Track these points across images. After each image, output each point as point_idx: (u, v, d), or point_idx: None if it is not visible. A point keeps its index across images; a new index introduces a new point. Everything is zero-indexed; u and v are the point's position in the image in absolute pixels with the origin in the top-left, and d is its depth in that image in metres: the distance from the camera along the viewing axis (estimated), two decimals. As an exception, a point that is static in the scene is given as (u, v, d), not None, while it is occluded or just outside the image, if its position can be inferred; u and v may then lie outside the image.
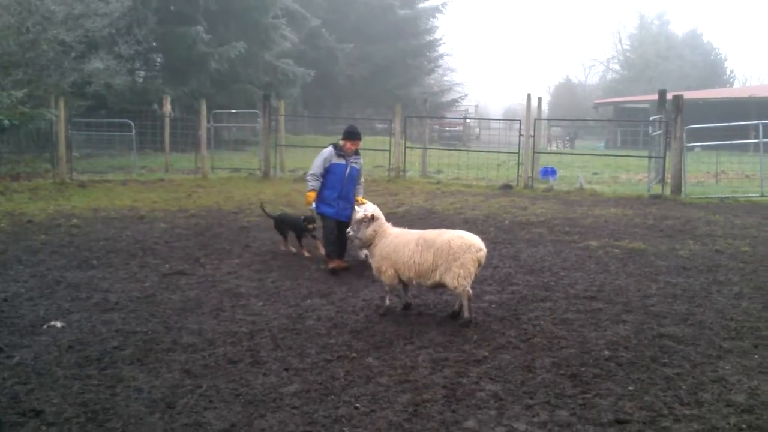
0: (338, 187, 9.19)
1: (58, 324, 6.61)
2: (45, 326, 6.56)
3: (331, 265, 9.05)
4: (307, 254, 9.96)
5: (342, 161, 9.21)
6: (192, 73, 33.82)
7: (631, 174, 24.47)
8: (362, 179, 9.65)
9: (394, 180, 20.43)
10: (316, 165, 9.21)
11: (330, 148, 9.29)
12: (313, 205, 9.26)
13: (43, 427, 4.51)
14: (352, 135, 9.32)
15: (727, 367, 5.64)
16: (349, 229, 7.51)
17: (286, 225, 10.40)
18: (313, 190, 9.18)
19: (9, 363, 5.62)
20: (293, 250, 10.17)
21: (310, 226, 9.82)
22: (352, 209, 8.58)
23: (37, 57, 24.01)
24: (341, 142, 9.32)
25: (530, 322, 6.86)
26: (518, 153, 20.17)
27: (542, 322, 6.88)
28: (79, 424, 4.55)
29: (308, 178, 9.31)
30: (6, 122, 19.77)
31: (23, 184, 17.92)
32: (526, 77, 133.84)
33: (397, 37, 53.83)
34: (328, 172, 9.20)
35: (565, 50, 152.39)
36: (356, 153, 9.41)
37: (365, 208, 7.48)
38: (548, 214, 14.07)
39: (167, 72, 35.85)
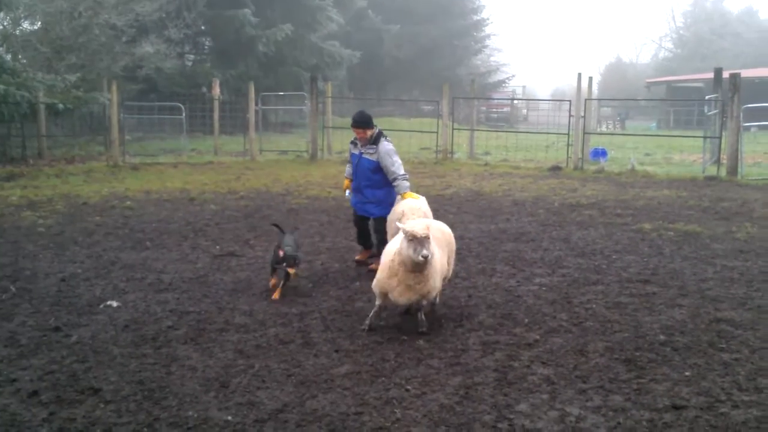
0: (356, 179, 8.45)
1: (114, 304, 6.76)
2: (102, 306, 6.71)
3: (358, 257, 8.73)
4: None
5: (356, 151, 8.41)
6: (240, 56, 34.10)
7: (685, 155, 23.87)
8: (398, 172, 7.98)
9: (441, 162, 20.31)
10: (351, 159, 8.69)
11: (351, 143, 8.65)
12: (347, 193, 8.71)
13: (101, 405, 4.61)
14: (353, 122, 8.25)
15: (787, 354, 5.48)
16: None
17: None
18: (347, 177, 8.69)
19: (67, 342, 5.77)
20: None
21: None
22: (373, 205, 8.34)
23: (89, 41, 24.47)
24: (354, 130, 8.46)
25: (582, 306, 6.77)
26: (568, 134, 19.84)
27: (594, 305, 6.78)
28: (135, 402, 4.65)
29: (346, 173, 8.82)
30: (60, 106, 20.21)
31: (78, 167, 18.33)
32: (575, 58, 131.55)
33: (443, 18, 53.33)
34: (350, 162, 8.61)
35: (616, 29, 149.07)
36: (373, 142, 8.15)
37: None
38: (599, 196, 13.83)
39: (216, 55, 36.22)
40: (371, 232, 8.64)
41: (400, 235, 5.87)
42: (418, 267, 5.71)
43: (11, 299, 6.90)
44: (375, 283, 6.11)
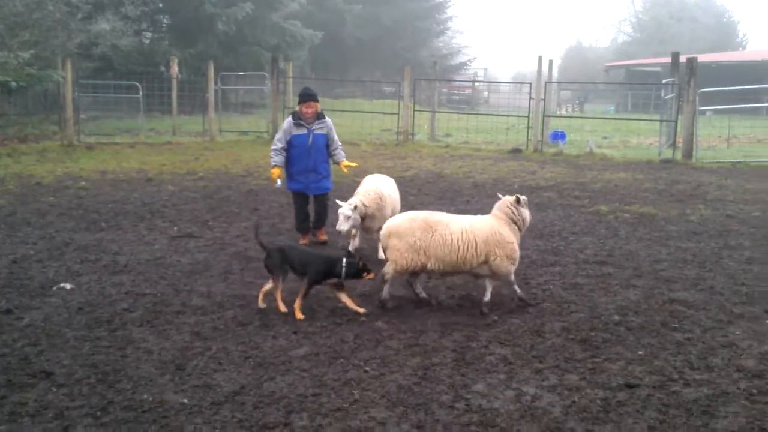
0: (303, 160, 8.46)
1: (68, 286, 6.62)
2: (55, 288, 6.57)
3: (303, 241, 8.62)
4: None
5: (303, 131, 8.41)
6: (199, 34, 33.52)
7: (642, 138, 24.24)
8: (338, 142, 8.77)
9: (402, 143, 20.29)
10: (277, 138, 8.57)
11: (289, 119, 8.54)
12: (279, 182, 8.60)
13: (54, 389, 4.52)
14: (304, 96, 8.48)
15: (737, 332, 5.61)
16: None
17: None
18: (276, 166, 8.48)
19: (19, 325, 5.64)
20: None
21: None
22: (327, 179, 8.59)
23: (43, 18, 23.80)
24: (297, 108, 8.56)
25: (540, 287, 6.85)
26: (528, 116, 19.98)
27: (552, 286, 6.86)
28: (89, 386, 4.57)
29: (271, 153, 8.63)
30: (13, 84, 19.66)
31: (31, 146, 17.90)
32: (535, 41, 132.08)
33: (405, -1, 53.13)
34: (291, 145, 8.46)
35: (576, 13, 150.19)
36: (319, 117, 8.48)
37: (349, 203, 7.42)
38: (558, 179, 13.98)
39: (174, 33, 35.54)
40: (316, 208, 8.73)
41: None
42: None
43: (-40, 281, 6.71)
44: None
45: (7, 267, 7.24)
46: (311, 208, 8.82)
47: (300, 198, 8.70)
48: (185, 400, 4.38)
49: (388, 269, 6.21)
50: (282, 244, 6.53)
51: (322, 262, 6.14)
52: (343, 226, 7.40)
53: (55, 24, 24.67)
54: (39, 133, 21.09)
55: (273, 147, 8.58)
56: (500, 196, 6.49)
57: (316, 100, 8.53)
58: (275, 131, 21.20)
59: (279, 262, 6.11)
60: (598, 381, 4.72)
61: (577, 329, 5.68)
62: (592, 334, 5.58)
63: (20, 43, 22.93)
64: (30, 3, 23.15)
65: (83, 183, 12.52)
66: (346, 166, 8.69)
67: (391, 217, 7.11)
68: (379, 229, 6.82)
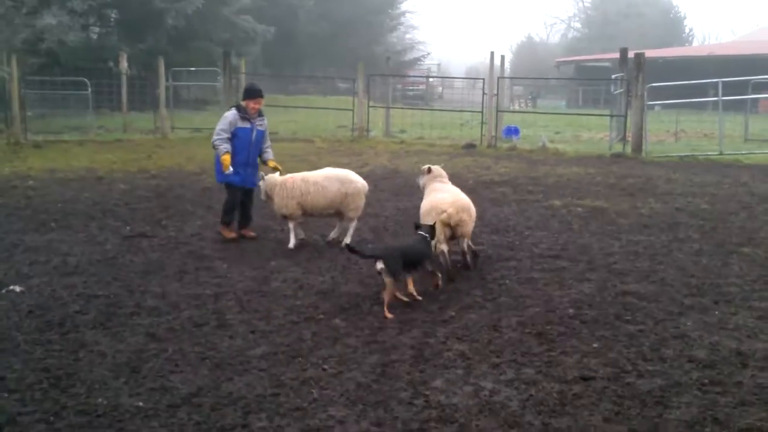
0: (245, 152, 8.50)
1: (17, 288, 6.45)
2: (4, 291, 6.40)
3: (230, 235, 8.57)
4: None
5: (247, 124, 8.48)
6: (148, 29, 32.97)
7: (593, 133, 24.66)
8: (269, 141, 8.97)
9: (357, 140, 20.29)
10: (221, 128, 8.40)
11: (234, 111, 8.50)
12: (231, 169, 8.37)
13: (5, 394, 4.41)
14: (254, 93, 8.57)
15: (688, 324, 5.75)
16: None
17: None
18: (227, 152, 8.32)
19: (-34, 329, 5.48)
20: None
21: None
22: (256, 175, 8.67)
23: (-14, 12, 23.16)
24: (243, 103, 8.55)
25: (496, 282, 6.91)
26: (481, 112, 20.15)
27: (507, 281, 6.93)
28: (41, 390, 4.47)
29: (216, 142, 8.39)
30: (-45, 80, 19.11)
31: (-25, 145, 17.40)
32: (488, 35, 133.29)
33: (358, -6, 53.09)
34: (233, 137, 8.43)
35: (527, 8, 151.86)
36: (260, 114, 8.66)
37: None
38: (512, 174, 14.13)
39: (123, 28, 34.90)
40: (245, 202, 8.79)
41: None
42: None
43: None
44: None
45: (-47, 270, 7.02)
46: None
47: (235, 191, 8.63)
48: (141, 404, 4.31)
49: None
50: (394, 246, 6.88)
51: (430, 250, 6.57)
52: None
53: (-1, 19, 24.04)
54: (-17, 131, 20.50)
55: (217, 137, 8.40)
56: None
57: (263, 97, 8.70)
58: (229, 128, 21.06)
59: (399, 264, 6.04)
60: (554, 374, 4.79)
61: (533, 323, 5.75)
62: (548, 327, 5.66)
63: (-38, 38, 22.30)
64: (-28, -3, 22.53)
65: (31, 182, 12.22)
66: (274, 166, 8.68)
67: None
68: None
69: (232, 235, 8.61)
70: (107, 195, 11.24)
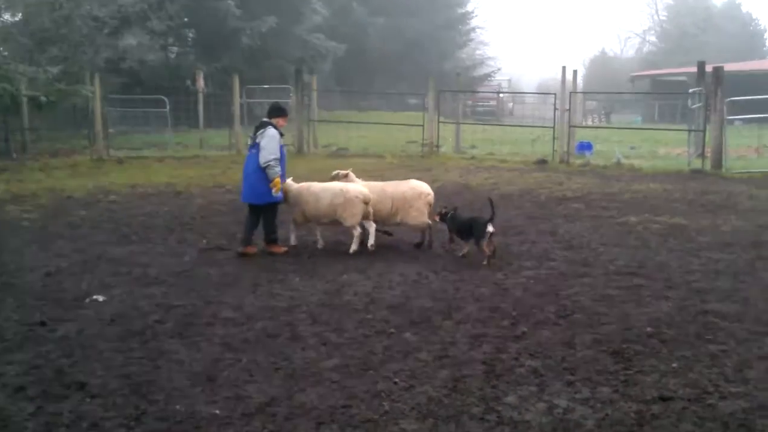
0: (283, 169, 8.64)
1: (100, 298, 6.71)
2: (87, 300, 6.66)
3: (282, 249, 8.71)
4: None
5: (282, 142, 8.68)
6: (224, 48, 33.86)
7: (670, 148, 23.96)
8: None
9: (427, 155, 20.29)
10: (274, 148, 8.43)
11: (275, 131, 8.53)
12: (281, 194, 8.58)
13: (88, 399, 4.58)
14: (285, 111, 8.81)
15: (773, 345, 5.52)
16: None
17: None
18: (278, 175, 8.47)
19: (53, 336, 5.72)
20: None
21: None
22: None
23: (71, 33, 24.24)
24: (275, 121, 8.64)
25: (569, 298, 6.79)
26: (553, 127, 19.89)
27: (582, 298, 6.80)
28: (122, 396, 4.62)
29: (272, 163, 8.36)
30: (43, 99, 20.00)
31: (62, 161, 18.20)
32: (560, 51, 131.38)
33: (428, 10, 53.24)
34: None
35: (600, 23, 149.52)
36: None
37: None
38: (585, 189, 13.88)
39: (200, 48, 35.96)
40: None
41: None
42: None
43: (-5, 294, 6.83)
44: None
45: (41, 280, 7.35)
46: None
47: (276, 208, 8.81)
48: (217, 411, 4.41)
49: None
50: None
51: None
52: None
53: (82, 39, 25.12)
54: (69, 148, 21.42)
55: (273, 156, 8.39)
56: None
57: None
58: (300, 144, 21.40)
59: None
60: (631, 394, 4.67)
61: (609, 341, 5.62)
62: (625, 346, 5.52)
63: (49, 58, 23.39)
64: (58, 18, 23.60)
65: (114, 197, 12.69)
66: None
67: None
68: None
69: (285, 248, 8.75)
70: (185, 209, 11.57)
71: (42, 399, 4.57)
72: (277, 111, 8.76)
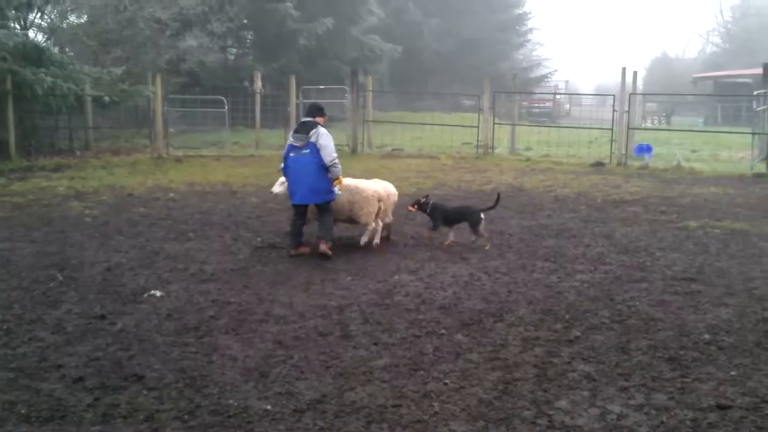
0: None
1: (158, 293, 6.87)
2: (145, 295, 6.83)
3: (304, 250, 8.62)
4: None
5: None
6: (281, 49, 34.28)
7: (733, 151, 23.31)
8: None
9: (482, 157, 20.18)
10: (333, 146, 8.54)
11: (324, 128, 8.57)
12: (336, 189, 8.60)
13: (144, 392, 4.69)
14: (325, 110, 8.83)
15: (839, 356, 5.32)
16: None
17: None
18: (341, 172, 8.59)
19: (112, 330, 5.88)
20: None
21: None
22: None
23: (134, 35, 24.87)
24: (318, 119, 8.64)
25: (625, 303, 6.67)
26: (611, 129, 19.56)
27: (638, 303, 6.67)
28: (177, 390, 4.72)
29: (338, 162, 8.47)
30: (106, 99, 20.59)
31: (123, 159, 18.68)
32: (618, 53, 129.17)
33: (485, 11, 52.98)
34: None
35: (662, 23, 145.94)
36: None
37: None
38: (643, 193, 13.60)
39: (258, 49, 36.48)
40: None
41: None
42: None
43: (58, 287, 7.06)
44: None
45: (102, 274, 7.56)
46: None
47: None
48: (269, 407, 4.47)
49: None
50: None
51: None
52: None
53: (145, 41, 25.75)
54: (130, 146, 21.99)
55: (336, 154, 8.51)
56: None
57: None
58: (355, 145, 21.52)
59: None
60: (687, 401, 4.56)
61: (665, 347, 5.50)
62: (681, 352, 5.39)
63: (113, 59, 24.06)
64: (121, 21, 24.24)
65: (172, 194, 12.97)
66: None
67: None
68: None
69: (305, 250, 8.65)
70: (240, 207, 11.76)
71: (100, 390, 4.70)
72: (321, 110, 8.78)
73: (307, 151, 8.41)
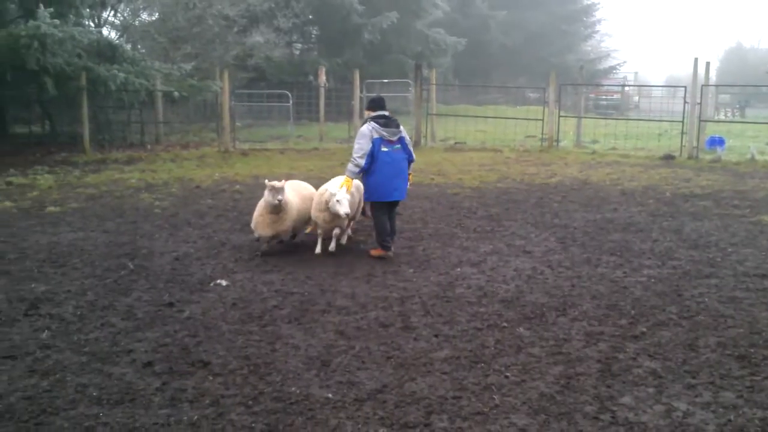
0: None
1: (224, 282, 7.03)
2: (212, 284, 7.00)
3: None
4: None
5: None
6: (346, 44, 34.46)
7: (811, 144, 22.37)
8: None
9: (547, 150, 19.90)
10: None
11: None
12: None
13: (210, 377, 4.82)
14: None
15: None
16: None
17: None
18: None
19: (180, 317, 6.05)
20: None
21: None
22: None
23: (203, 31, 25.42)
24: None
25: (693, 299, 6.50)
26: (682, 121, 19.00)
27: (707, 299, 6.49)
28: (242, 376, 4.83)
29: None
30: (176, 94, 21.08)
31: (192, 152, 19.12)
32: (690, 43, 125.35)
33: (552, 3, 52.09)
34: None
35: (737, 13, 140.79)
36: None
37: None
38: (715, 186, 13.19)
39: (322, 44, 36.75)
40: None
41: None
42: (275, 209, 7.88)
43: (129, 276, 7.29)
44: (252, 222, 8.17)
45: (170, 264, 7.78)
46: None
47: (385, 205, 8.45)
48: (330, 395, 4.53)
49: None
50: None
51: None
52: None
53: (213, 37, 26.29)
54: (199, 140, 22.46)
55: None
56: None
57: None
58: (418, 138, 21.49)
59: None
60: (757, 400, 4.42)
61: (735, 345, 5.34)
62: (752, 350, 5.23)
63: (182, 55, 24.64)
64: (191, 18, 24.81)
65: (238, 187, 13.22)
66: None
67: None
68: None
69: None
70: (304, 200, 11.88)
71: (168, 375, 4.85)
72: (383, 105, 8.48)
73: (399, 146, 8.22)
